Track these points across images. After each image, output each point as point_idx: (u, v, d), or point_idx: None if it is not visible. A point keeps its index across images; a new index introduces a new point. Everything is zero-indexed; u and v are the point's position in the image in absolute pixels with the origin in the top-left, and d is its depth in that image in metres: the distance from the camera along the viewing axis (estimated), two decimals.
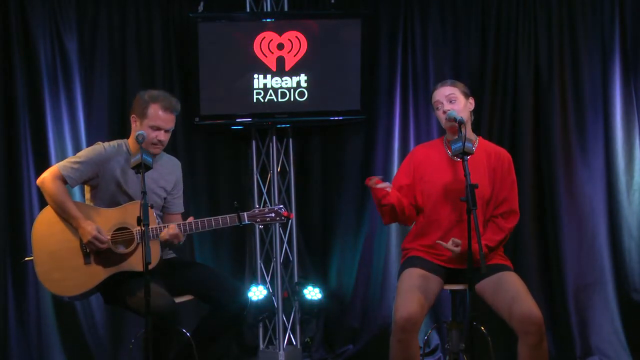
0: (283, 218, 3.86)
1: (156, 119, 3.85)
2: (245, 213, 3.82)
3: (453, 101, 3.78)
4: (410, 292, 3.59)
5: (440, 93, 3.81)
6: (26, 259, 3.88)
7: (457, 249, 3.64)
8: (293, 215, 5.26)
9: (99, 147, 3.90)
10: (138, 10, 5.03)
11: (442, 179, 3.77)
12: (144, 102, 3.88)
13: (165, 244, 3.84)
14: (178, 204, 4.10)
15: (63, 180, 3.79)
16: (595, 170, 5.00)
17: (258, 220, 3.85)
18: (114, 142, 3.95)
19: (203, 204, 5.11)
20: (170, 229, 3.75)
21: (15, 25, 4.79)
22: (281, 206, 3.88)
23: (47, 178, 3.79)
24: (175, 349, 3.86)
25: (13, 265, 4.78)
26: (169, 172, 4.04)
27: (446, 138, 3.88)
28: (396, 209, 3.73)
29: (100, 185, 3.87)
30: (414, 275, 3.68)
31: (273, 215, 3.85)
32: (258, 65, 5.01)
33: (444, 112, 3.76)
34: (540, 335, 3.47)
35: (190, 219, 3.82)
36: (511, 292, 3.57)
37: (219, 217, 3.79)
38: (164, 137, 3.88)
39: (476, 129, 4.95)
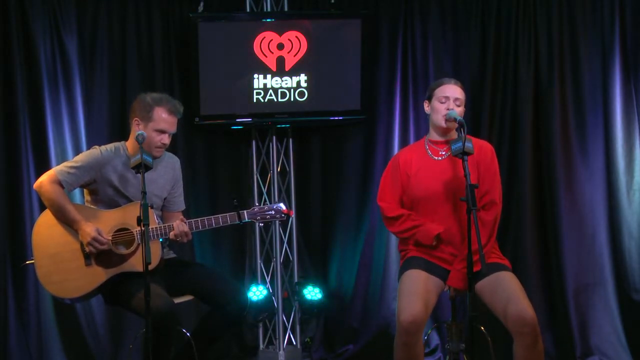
0: (283, 215, 3.82)
1: (162, 122, 3.83)
2: (245, 211, 3.79)
3: (459, 106, 3.76)
4: (413, 294, 3.58)
5: (451, 90, 3.75)
6: (27, 262, 3.86)
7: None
8: (293, 212, 5.25)
9: (96, 151, 3.88)
10: (138, 10, 5.04)
11: (432, 179, 3.74)
12: (147, 105, 3.85)
13: (173, 242, 3.82)
14: (179, 202, 4.08)
15: (60, 184, 3.77)
16: (595, 170, 4.99)
17: (258, 218, 3.81)
18: (111, 146, 3.92)
19: (203, 204, 5.11)
20: (182, 226, 3.72)
21: (15, 25, 4.79)
22: (281, 204, 3.85)
23: (44, 182, 3.78)
24: (175, 349, 3.86)
25: (13, 267, 4.78)
26: (167, 172, 4.02)
27: (428, 138, 3.85)
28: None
29: (99, 189, 3.86)
30: (415, 277, 3.66)
31: (273, 212, 3.81)
32: (258, 65, 5.01)
33: (447, 109, 3.72)
34: (534, 336, 3.45)
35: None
36: (506, 292, 3.55)
37: (219, 215, 3.77)
38: (167, 140, 3.87)
39: (476, 129, 4.98)
